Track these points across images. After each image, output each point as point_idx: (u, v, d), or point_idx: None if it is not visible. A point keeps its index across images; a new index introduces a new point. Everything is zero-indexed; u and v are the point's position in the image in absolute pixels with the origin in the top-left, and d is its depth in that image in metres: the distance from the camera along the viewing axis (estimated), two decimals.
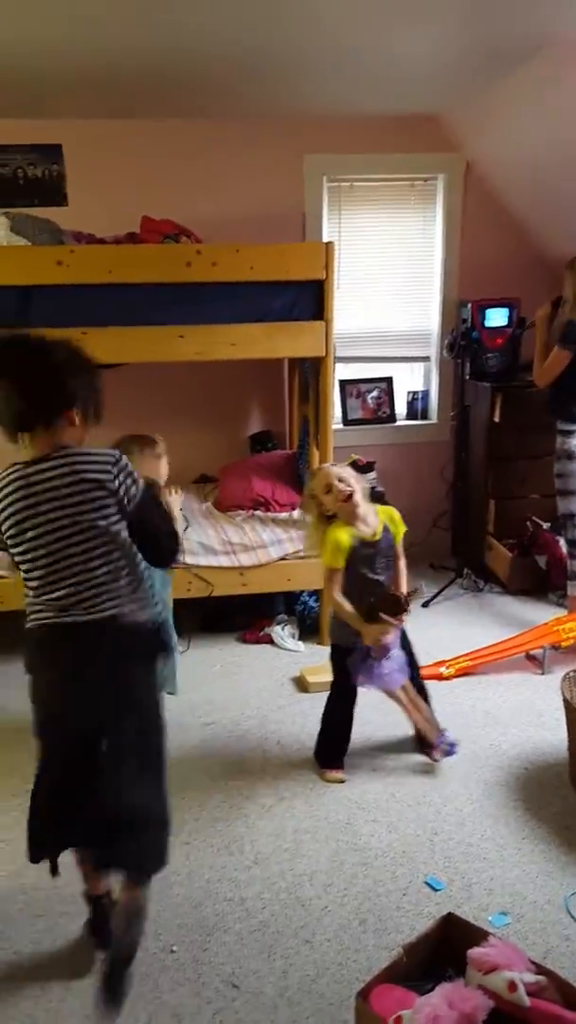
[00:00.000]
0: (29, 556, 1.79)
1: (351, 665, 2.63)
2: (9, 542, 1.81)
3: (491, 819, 2.52)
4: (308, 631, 3.85)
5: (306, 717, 3.06)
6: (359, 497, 2.57)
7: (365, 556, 2.59)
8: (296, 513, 3.82)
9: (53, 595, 1.80)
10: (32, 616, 1.85)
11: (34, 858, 1.87)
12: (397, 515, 2.69)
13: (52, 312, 3.16)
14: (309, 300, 3.47)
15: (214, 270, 3.33)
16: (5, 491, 1.79)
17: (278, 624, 3.85)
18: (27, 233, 3.30)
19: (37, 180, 4.04)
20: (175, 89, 3.63)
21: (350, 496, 2.54)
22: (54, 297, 3.18)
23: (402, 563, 2.72)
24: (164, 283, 3.30)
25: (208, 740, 2.99)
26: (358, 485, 2.59)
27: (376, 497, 4.34)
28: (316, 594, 3.85)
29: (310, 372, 3.83)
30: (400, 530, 2.68)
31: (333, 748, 2.79)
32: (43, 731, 1.86)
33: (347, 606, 2.56)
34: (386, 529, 2.63)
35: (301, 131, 4.27)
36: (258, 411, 4.66)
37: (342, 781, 2.72)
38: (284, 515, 3.82)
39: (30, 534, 1.77)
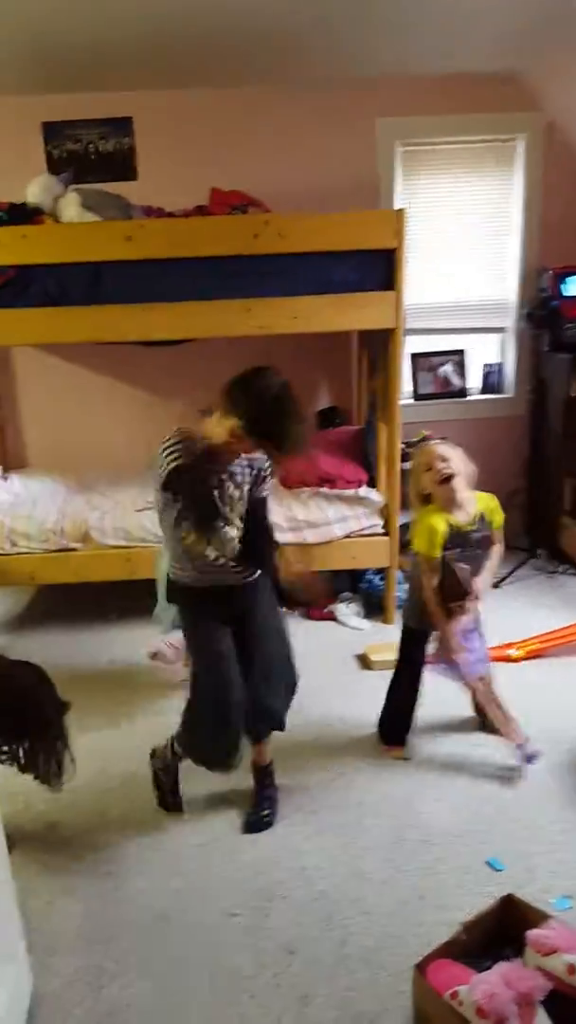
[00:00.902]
0: None
1: (432, 651, 2.63)
2: None
3: (557, 802, 2.52)
4: (372, 609, 3.88)
5: (369, 694, 3.09)
6: (460, 481, 2.51)
7: (455, 544, 2.53)
8: (362, 490, 3.84)
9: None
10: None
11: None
12: (495, 503, 2.63)
13: (121, 288, 3.25)
14: (379, 270, 3.43)
15: (282, 241, 3.33)
16: None
17: (342, 602, 3.89)
18: (98, 209, 3.38)
19: (108, 155, 4.13)
20: (243, 56, 3.63)
21: (448, 479, 2.48)
22: (123, 273, 3.26)
23: (496, 550, 2.64)
24: (231, 256, 3.32)
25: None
26: (463, 468, 2.52)
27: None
28: (381, 572, 3.86)
29: (379, 345, 3.81)
30: (498, 518, 2.62)
31: (397, 726, 2.82)
32: None
33: (435, 603, 2.54)
34: (482, 518, 2.58)
35: (373, 94, 4.21)
36: (326, 386, 4.67)
37: (405, 759, 2.76)
38: (350, 492, 3.84)
39: None
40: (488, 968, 1.75)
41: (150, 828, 2.46)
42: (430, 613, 2.56)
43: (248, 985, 1.91)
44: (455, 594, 2.52)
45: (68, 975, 1.96)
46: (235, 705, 2.32)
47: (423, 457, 2.55)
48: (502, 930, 1.93)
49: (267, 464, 2.31)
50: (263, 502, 2.36)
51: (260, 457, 2.29)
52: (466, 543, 2.55)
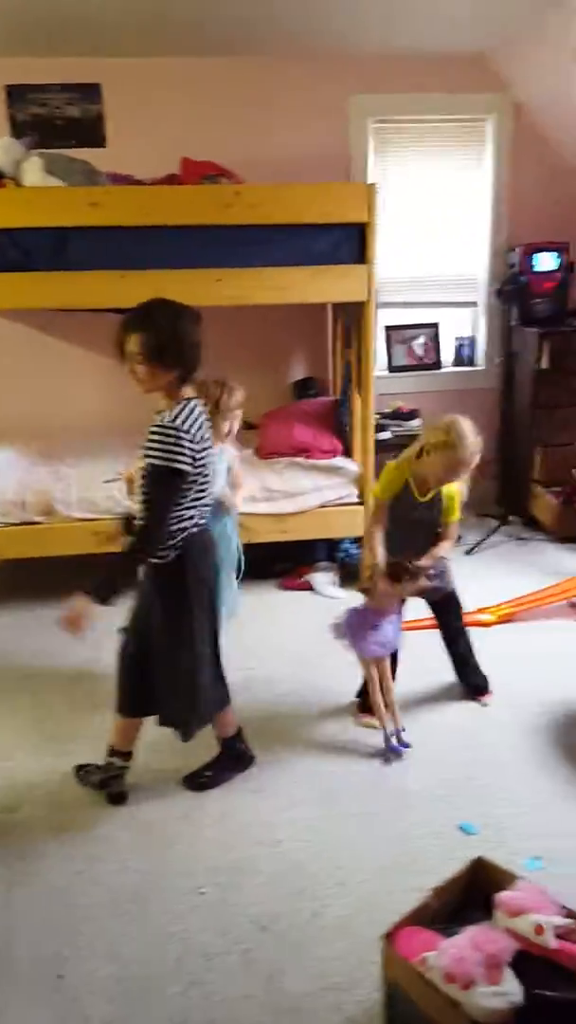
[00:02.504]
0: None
1: (344, 619, 2.49)
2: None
3: (529, 765, 2.40)
4: (349, 578, 3.73)
5: (345, 664, 2.95)
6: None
7: (409, 511, 2.44)
8: (337, 460, 3.68)
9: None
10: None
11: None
12: (457, 495, 2.47)
13: (88, 254, 3.05)
14: (351, 243, 3.28)
15: (254, 212, 3.15)
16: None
17: (318, 571, 3.74)
18: (62, 174, 3.15)
19: (75, 121, 3.88)
20: (217, 26, 3.42)
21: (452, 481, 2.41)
22: (90, 239, 3.05)
23: (447, 543, 2.51)
24: (203, 225, 3.14)
25: (246, 685, 2.91)
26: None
27: None
28: (357, 541, 3.72)
29: (353, 317, 3.64)
30: (452, 508, 2.47)
31: (362, 694, 2.68)
32: None
33: (376, 547, 2.44)
34: (437, 501, 2.45)
35: (347, 71, 4.02)
36: (301, 358, 4.49)
37: (375, 727, 2.62)
38: (325, 462, 3.68)
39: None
40: (458, 932, 1.64)
41: (117, 809, 2.28)
42: (365, 556, 2.45)
43: (217, 963, 1.76)
44: (394, 570, 2.37)
45: (29, 962, 1.80)
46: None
47: (456, 459, 2.33)
48: (473, 893, 1.82)
49: (151, 431, 1.99)
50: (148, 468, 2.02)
51: (154, 425, 2.01)
52: (411, 512, 2.43)
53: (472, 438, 2.34)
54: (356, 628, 2.45)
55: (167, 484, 1.99)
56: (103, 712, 2.48)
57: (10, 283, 3.06)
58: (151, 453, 1.97)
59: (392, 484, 2.46)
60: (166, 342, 1.98)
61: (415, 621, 2.85)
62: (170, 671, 2.15)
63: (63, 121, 3.87)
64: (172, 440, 1.96)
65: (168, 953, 1.80)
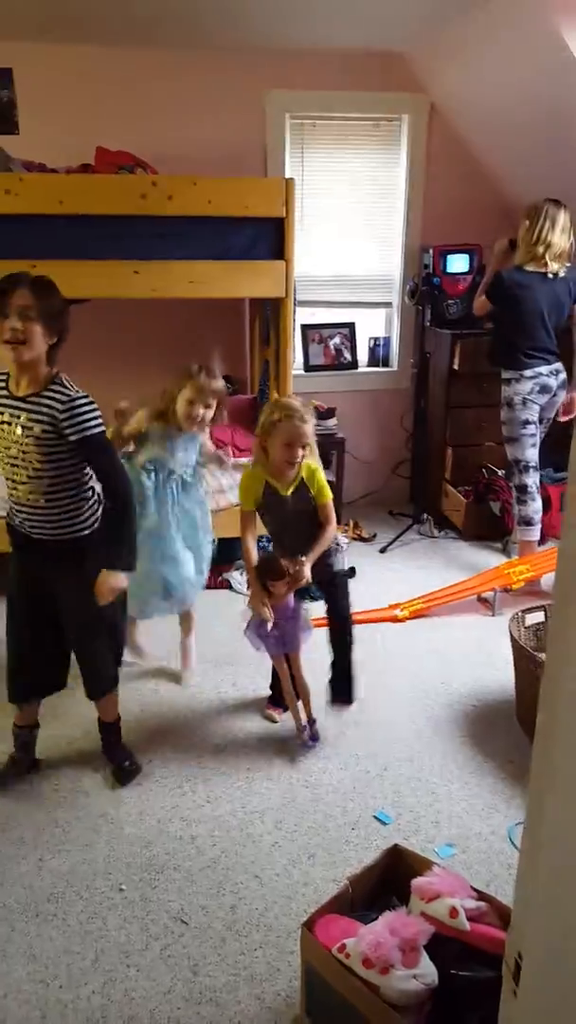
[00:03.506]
0: None
1: (247, 620, 2.50)
2: None
3: (440, 755, 2.50)
4: None
5: (259, 660, 2.98)
6: (306, 450, 2.39)
7: (281, 508, 2.43)
8: None
9: None
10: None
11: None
12: (320, 475, 2.44)
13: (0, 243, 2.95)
14: (269, 238, 3.31)
15: (170, 204, 3.14)
16: None
17: (236, 570, 3.76)
18: None
19: None
20: (134, 15, 3.35)
21: (304, 444, 2.34)
22: (2, 227, 2.97)
23: (327, 530, 2.45)
24: (118, 215, 3.10)
25: (162, 683, 2.91)
26: (312, 448, 2.39)
27: (336, 444, 4.27)
28: None
29: (271, 314, 3.67)
30: (321, 490, 2.44)
31: (274, 688, 2.73)
32: None
33: (252, 556, 2.43)
34: (303, 487, 2.42)
35: (264, 65, 4.01)
36: (218, 355, 4.47)
37: (272, 720, 2.67)
38: (243, 460, 3.68)
39: None
40: (376, 919, 1.70)
41: (32, 809, 2.26)
42: (246, 568, 2.47)
43: (136, 959, 1.77)
44: (270, 570, 2.37)
45: None
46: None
47: (290, 431, 2.30)
48: (389, 880, 1.88)
49: (67, 404, 1.95)
50: (85, 444, 1.98)
51: (63, 396, 1.96)
52: (282, 507, 2.43)
53: (298, 406, 2.34)
54: (257, 627, 2.45)
55: (111, 445, 2.11)
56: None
57: None
58: (91, 425, 1.97)
59: (251, 490, 2.44)
60: (60, 307, 1.98)
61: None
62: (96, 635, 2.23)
63: None
64: (94, 406, 2.00)
65: (87, 952, 1.79)
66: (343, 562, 2.65)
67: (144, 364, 4.08)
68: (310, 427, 2.35)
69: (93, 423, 1.98)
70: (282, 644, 2.49)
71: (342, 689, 2.67)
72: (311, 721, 2.56)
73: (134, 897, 1.94)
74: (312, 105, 4.17)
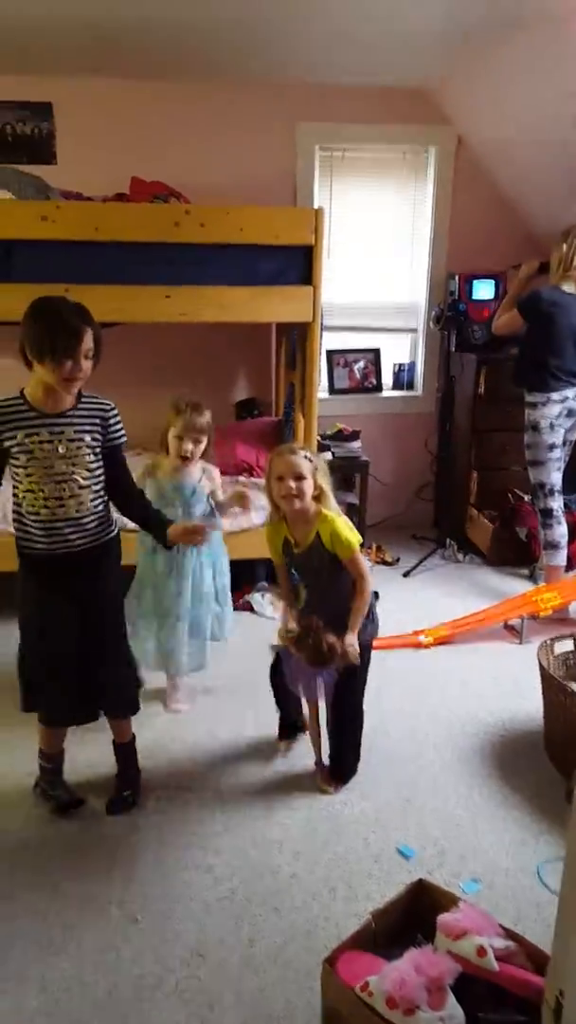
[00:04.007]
0: None
1: (284, 657, 2.38)
2: None
3: (466, 787, 2.40)
4: None
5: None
6: (306, 502, 2.19)
7: (299, 563, 2.28)
8: None
9: None
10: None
11: None
12: (339, 525, 2.19)
13: (35, 268, 2.97)
14: (298, 265, 3.30)
15: (202, 231, 3.14)
16: None
17: (258, 591, 3.70)
18: (12, 187, 3.09)
19: (26, 137, 3.80)
20: (169, 49, 3.40)
21: (294, 496, 2.17)
22: (38, 252, 2.98)
23: (362, 590, 2.20)
24: (151, 242, 3.10)
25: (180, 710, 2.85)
26: (311, 485, 2.17)
27: (360, 466, 4.21)
28: None
29: (297, 339, 3.65)
30: (340, 545, 2.18)
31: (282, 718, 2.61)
32: None
33: (283, 607, 2.35)
34: (317, 544, 2.21)
35: (295, 98, 4.05)
36: (245, 378, 4.47)
37: (278, 749, 2.56)
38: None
39: None
40: (400, 956, 1.61)
41: (46, 834, 2.18)
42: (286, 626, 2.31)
43: (151, 994, 1.69)
44: (310, 650, 2.15)
45: None
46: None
47: (279, 465, 2.18)
48: (414, 916, 1.80)
49: (110, 410, 2.09)
50: (119, 448, 2.14)
51: (100, 402, 2.09)
52: (303, 565, 2.28)
53: (291, 444, 2.30)
54: (292, 668, 2.34)
55: None
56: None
57: None
58: (123, 430, 2.14)
59: (273, 543, 2.34)
60: (100, 336, 2.00)
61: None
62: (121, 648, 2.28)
63: (14, 138, 3.79)
64: None
65: (100, 984, 1.71)
66: (371, 631, 2.36)
67: (173, 386, 4.06)
68: (304, 461, 2.17)
69: (123, 429, 2.14)
70: (312, 690, 2.33)
71: (337, 770, 2.42)
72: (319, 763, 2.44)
73: (149, 928, 1.86)
74: (342, 137, 4.20)
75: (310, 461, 2.19)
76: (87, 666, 2.15)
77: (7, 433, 1.97)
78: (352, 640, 2.18)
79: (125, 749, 2.36)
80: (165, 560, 2.65)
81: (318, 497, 2.21)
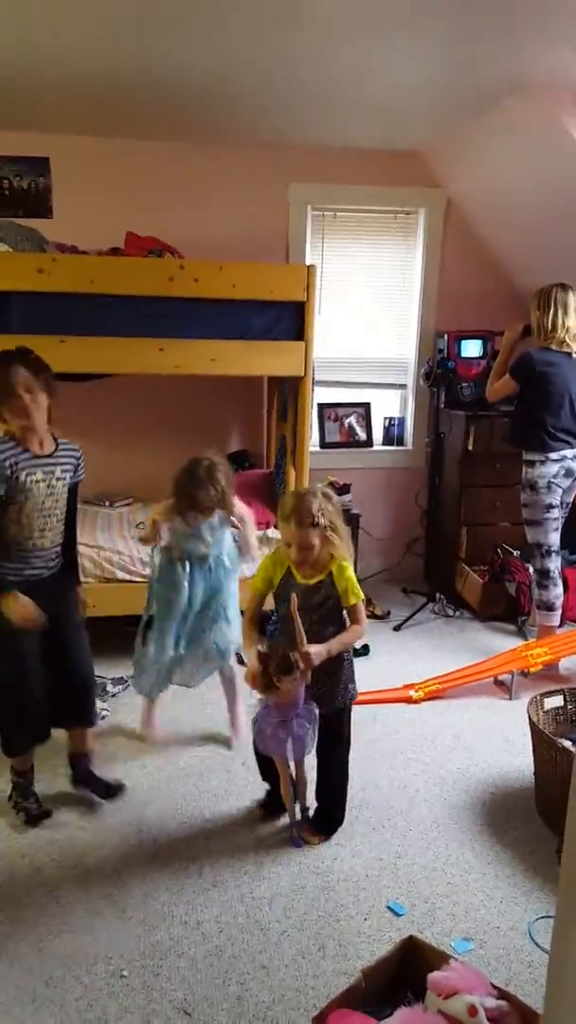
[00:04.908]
0: None
1: (260, 716, 2.37)
2: None
3: (456, 843, 2.44)
4: None
5: None
6: (313, 557, 2.28)
7: (287, 595, 2.28)
8: (271, 531, 3.76)
9: None
10: None
11: None
12: (351, 573, 2.31)
13: (31, 319, 3.11)
14: (290, 321, 3.45)
15: (196, 286, 3.30)
16: None
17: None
18: (9, 240, 3.25)
19: (23, 191, 4.00)
20: (164, 112, 3.62)
21: (309, 548, 2.24)
22: (34, 304, 3.12)
23: (355, 629, 2.32)
24: (145, 296, 3.25)
25: (170, 759, 2.88)
26: (319, 547, 2.25)
27: (351, 520, 4.32)
28: None
29: (289, 392, 3.79)
30: (348, 590, 2.30)
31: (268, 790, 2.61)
32: None
33: (251, 639, 2.36)
34: (328, 583, 2.30)
35: (287, 160, 4.28)
36: (237, 430, 4.60)
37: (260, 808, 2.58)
38: (259, 533, 3.74)
39: None
40: (390, 1015, 1.63)
41: (32, 886, 2.21)
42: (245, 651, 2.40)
43: None
44: (278, 661, 2.19)
45: None
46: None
47: (287, 534, 2.27)
48: (404, 974, 1.82)
49: (79, 453, 2.46)
50: (77, 485, 2.48)
51: (73, 446, 2.45)
52: (308, 600, 2.29)
53: (304, 497, 2.29)
54: (263, 723, 2.33)
55: None
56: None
57: None
58: (83, 470, 2.48)
59: (267, 571, 2.39)
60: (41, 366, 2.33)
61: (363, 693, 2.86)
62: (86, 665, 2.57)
63: (11, 191, 3.99)
64: None
65: None
66: (350, 693, 2.42)
67: (166, 437, 4.20)
68: (314, 532, 2.23)
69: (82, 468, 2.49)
70: (287, 746, 2.28)
71: (322, 822, 2.48)
72: (304, 810, 2.46)
73: (136, 984, 1.87)
74: (333, 198, 4.42)
75: (318, 527, 2.24)
76: (53, 683, 2.44)
77: (12, 467, 2.26)
78: (317, 650, 2.21)
79: (88, 757, 2.66)
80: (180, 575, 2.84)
81: (327, 544, 2.29)
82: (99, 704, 3.14)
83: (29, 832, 2.43)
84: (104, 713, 3.15)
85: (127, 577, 3.52)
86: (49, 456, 2.34)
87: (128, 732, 3.03)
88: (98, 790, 2.59)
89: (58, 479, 2.35)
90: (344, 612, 2.35)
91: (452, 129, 3.83)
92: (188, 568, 2.83)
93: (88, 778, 2.62)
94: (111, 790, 2.61)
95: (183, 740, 3.00)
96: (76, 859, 2.32)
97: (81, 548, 3.41)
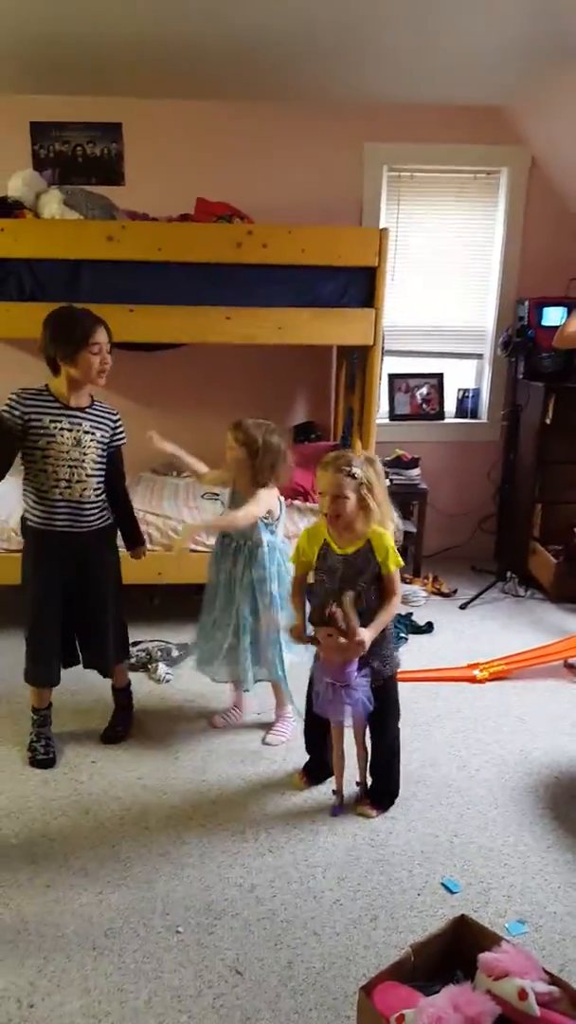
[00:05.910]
0: None
1: (316, 677, 2.43)
2: None
3: (515, 826, 2.45)
4: None
5: None
6: (347, 519, 2.28)
7: (327, 566, 2.34)
8: None
9: None
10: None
11: None
12: (389, 541, 2.30)
13: (101, 287, 3.20)
14: (360, 287, 3.44)
15: (265, 252, 3.32)
16: None
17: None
18: (80, 208, 3.33)
19: (96, 158, 4.09)
20: (236, 70, 3.63)
21: (335, 515, 2.27)
22: (103, 272, 3.22)
23: (391, 602, 2.33)
24: (214, 263, 3.29)
25: (231, 725, 2.98)
26: (353, 504, 2.24)
27: (419, 495, 4.31)
28: None
29: (357, 362, 3.78)
30: (387, 558, 2.30)
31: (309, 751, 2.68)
32: None
33: (300, 611, 2.40)
34: (368, 550, 2.30)
35: (363, 118, 4.23)
36: (303, 401, 4.63)
37: (298, 786, 2.62)
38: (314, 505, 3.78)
39: None
40: (437, 991, 1.67)
41: (95, 841, 2.35)
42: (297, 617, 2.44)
43: (188, 1005, 1.80)
44: (318, 614, 2.25)
45: None
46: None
47: (321, 480, 2.29)
48: (454, 952, 1.85)
49: (117, 416, 2.61)
50: (119, 452, 2.65)
51: (110, 408, 2.60)
52: (337, 569, 2.32)
53: (343, 456, 2.31)
54: (319, 684, 2.38)
55: None
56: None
57: (21, 312, 3.20)
58: (124, 436, 2.65)
59: (305, 550, 2.40)
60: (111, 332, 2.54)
61: (410, 672, 2.90)
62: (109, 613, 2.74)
63: (84, 159, 4.08)
64: None
65: (140, 992, 1.84)
66: (393, 664, 2.45)
67: (230, 407, 4.25)
68: (348, 480, 2.23)
69: (125, 434, 2.64)
70: (344, 709, 2.36)
71: (377, 796, 2.53)
72: (362, 783, 2.53)
73: (190, 941, 1.98)
74: (410, 158, 4.35)
75: (354, 478, 2.24)
76: (72, 632, 2.70)
77: (34, 415, 2.43)
78: (367, 636, 2.24)
79: (122, 692, 2.92)
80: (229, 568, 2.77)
81: (364, 507, 2.28)
82: (163, 669, 3.30)
83: (93, 789, 2.56)
84: (168, 677, 3.29)
85: (192, 546, 3.61)
86: (80, 410, 2.50)
87: (191, 695, 3.17)
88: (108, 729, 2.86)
89: (86, 432, 2.49)
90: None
91: (538, 81, 3.70)
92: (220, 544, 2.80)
93: (121, 715, 2.91)
94: (112, 736, 2.84)
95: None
96: (137, 816, 2.45)
97: (148, 517, 3.55)
